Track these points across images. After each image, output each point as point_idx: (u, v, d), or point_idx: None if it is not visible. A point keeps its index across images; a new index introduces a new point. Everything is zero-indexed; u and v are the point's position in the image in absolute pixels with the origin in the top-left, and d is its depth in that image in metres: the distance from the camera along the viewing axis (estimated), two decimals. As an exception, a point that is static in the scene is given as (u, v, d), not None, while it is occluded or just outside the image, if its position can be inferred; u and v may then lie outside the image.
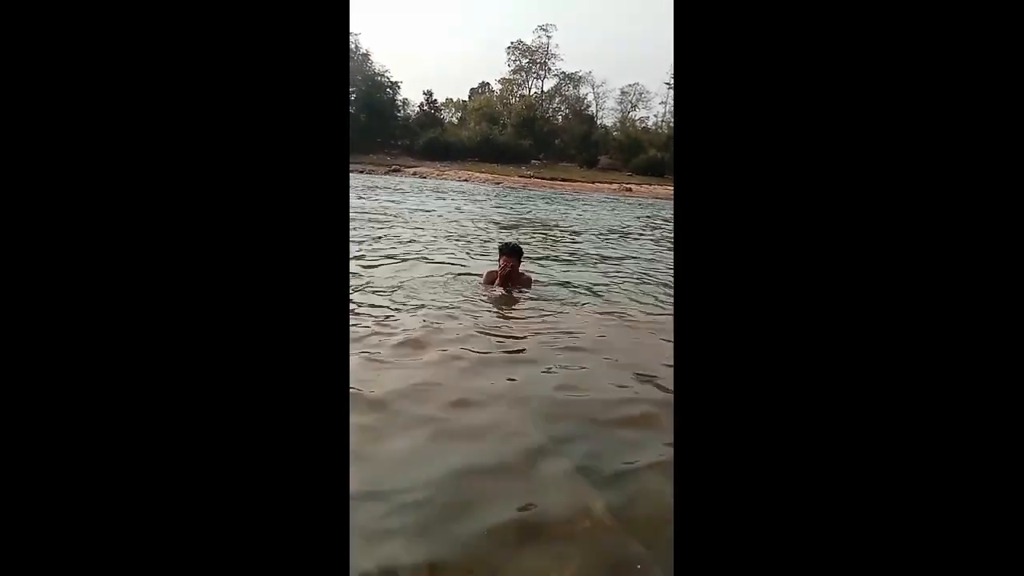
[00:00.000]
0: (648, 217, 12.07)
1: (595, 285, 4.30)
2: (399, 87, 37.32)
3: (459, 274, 4.25)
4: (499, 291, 3.72)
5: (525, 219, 9.89)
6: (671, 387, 0.69)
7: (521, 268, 3.82)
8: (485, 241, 6.23)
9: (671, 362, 0.65)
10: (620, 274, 4.92)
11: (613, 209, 13.96)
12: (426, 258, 4.96)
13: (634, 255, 6.16)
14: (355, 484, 0.82)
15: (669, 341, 2.54)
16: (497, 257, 3.83)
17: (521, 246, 3.90)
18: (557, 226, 9.30)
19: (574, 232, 8.32)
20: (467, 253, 5.50)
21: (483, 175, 26.21)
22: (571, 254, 6.02)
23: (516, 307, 3.49)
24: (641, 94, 41.37)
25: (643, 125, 40.50)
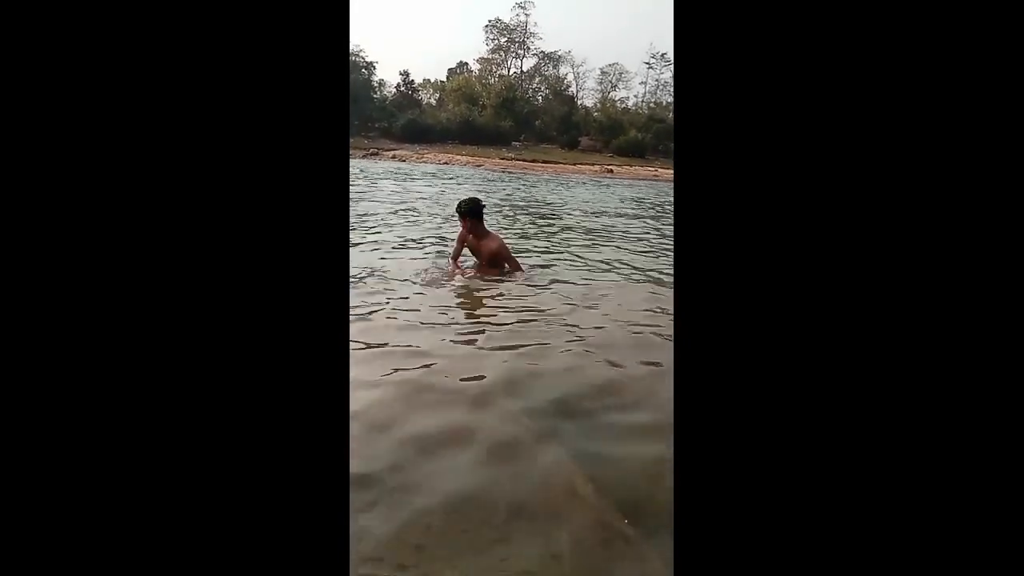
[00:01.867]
0: (641, 199, 11.87)
1: (588, 266, 4.02)
2: (374, 68, 36.39)
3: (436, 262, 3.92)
4: (477, 274, 2.90)
5: (510, 201, 9.60)
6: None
7: (496, 230, 3.08)
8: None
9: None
10: (613, 259, 4.66)
11: (599, 190, 13.72)
12: (396, 247, 4.63)
13: (624, 233, 5.92)
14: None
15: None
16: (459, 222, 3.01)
17: (480, 202, 3.10)
18: (538, 201, 9.04)
19: (563, 213, 8.08)
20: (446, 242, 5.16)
21: (464, 157, 25.81)
22: (559, 235, 5.75)
23: (496, 294, 2.79)
24: (621, 74, 41.22)
25: (623, 105, 40.38)
